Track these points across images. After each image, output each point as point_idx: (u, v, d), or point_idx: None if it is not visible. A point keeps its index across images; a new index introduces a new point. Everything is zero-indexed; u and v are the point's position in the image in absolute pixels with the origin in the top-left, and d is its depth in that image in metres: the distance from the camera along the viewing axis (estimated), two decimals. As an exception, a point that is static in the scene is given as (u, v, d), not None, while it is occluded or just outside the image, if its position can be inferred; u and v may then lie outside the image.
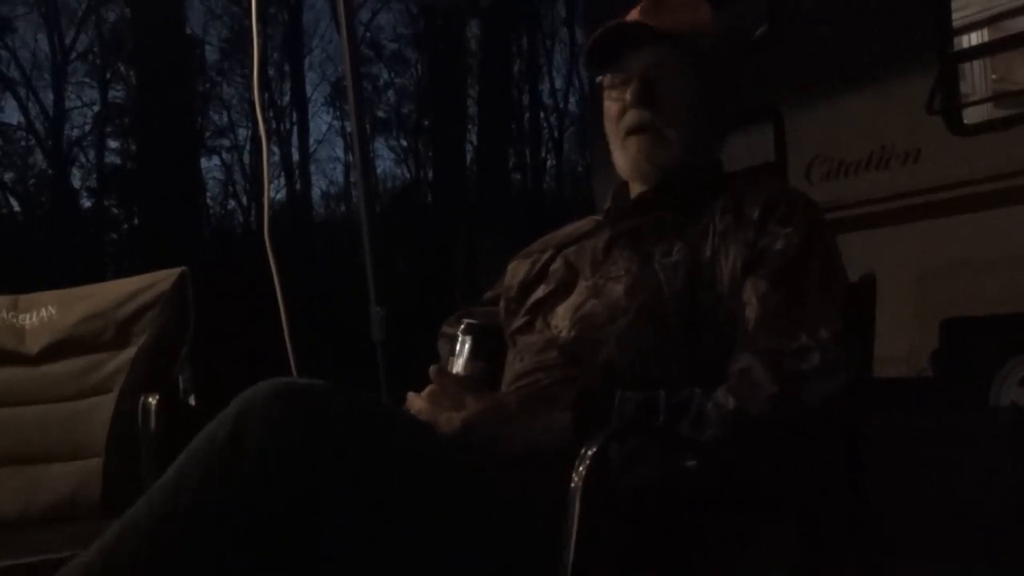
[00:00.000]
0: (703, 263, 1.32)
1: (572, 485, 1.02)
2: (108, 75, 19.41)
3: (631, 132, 1.41)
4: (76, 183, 19.16)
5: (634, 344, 1.29)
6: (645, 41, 1.40)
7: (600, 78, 1.47)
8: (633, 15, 1.43)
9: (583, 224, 1.58)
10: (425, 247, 15.19)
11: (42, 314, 2.39)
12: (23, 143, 18.77)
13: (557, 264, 1.49)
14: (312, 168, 20.73)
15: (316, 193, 21.44)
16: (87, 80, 19.70)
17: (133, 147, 17.46)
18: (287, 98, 20.27)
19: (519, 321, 1.48)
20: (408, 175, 21.14)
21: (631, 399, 1.17)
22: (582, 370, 1.30)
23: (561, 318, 1.39)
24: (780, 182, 1.47)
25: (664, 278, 1.32)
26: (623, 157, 1.43)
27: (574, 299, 1.40)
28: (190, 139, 15.17)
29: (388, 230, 14.09)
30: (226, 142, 20.48)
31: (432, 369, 1.28)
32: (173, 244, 11.48)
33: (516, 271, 1.58)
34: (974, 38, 4.98)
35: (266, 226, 2.55)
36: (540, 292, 1.48)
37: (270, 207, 3.03)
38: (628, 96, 1.40)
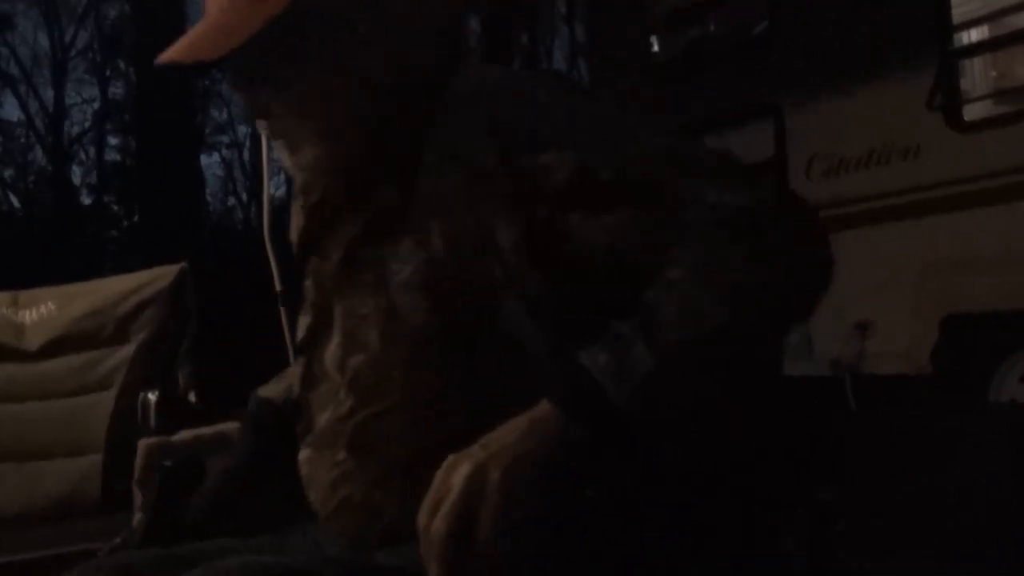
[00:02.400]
0: (449, 258, 1.01)
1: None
2: (108, 72, 19.44)
3: None
4: (76, 180, 19.20)
5: (417, 412, 1.03)
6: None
7: None
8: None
9: None
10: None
11: (42, 310, 2.39)
12: (23, 140, 18.79)
13: (308, 282, 1.17)
14: (312, 164, 20.74)
15: (316, 189, 21.44)
16: (87, 77, 19.74)
17: (133, 144, 17.46)
18: (287, 94, 20.27)
19: (300, 372, 1.18)
20: (408, 171, 21.12)
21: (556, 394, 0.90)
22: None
23: (332, 378, 1.09)
24: (493, 74, 1.09)
25: (408, 309, 1.03)
26: None
27: (336, 349, 1.10)
28: (190, 136, 15.17)
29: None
30: (226, 139, 20.52)
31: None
32: (173, 241, 11.48)
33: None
34: (974, 34, 4.97)
35: (266, 222, 2.55)
36: (302, 331, 1.18)
37: (270, 203, 3.02)
38: None
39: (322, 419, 1.09)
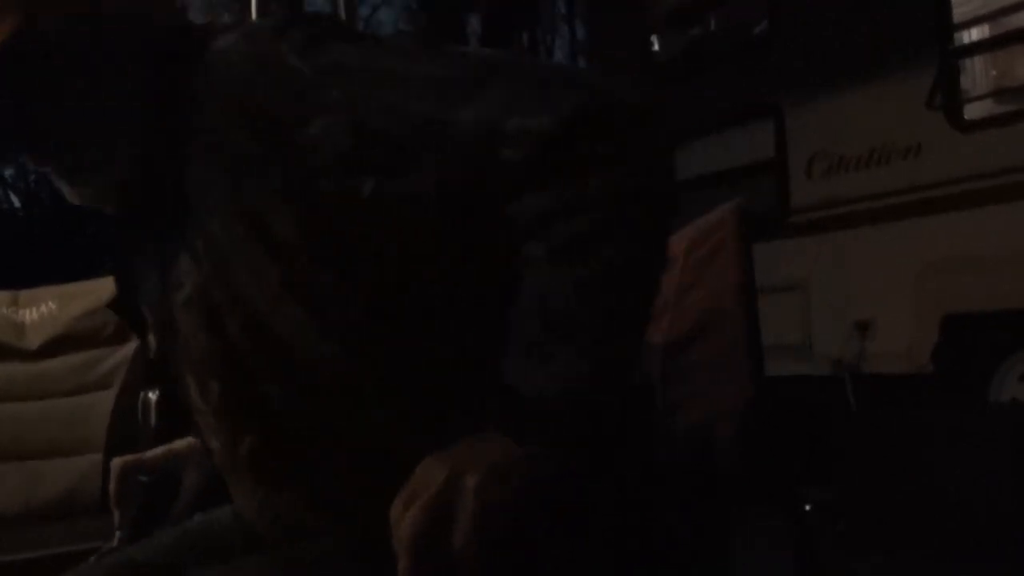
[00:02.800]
0: (219, 272, 0.91)
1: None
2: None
3: None
4: (76, 179, 19.19)
5: (288, 439, 0.95)
6: None
7: None
8: None
9: None
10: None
11: (42, 310, 2.39)
12: (23, 139, 18.78)
13: (143, 306, 1.06)
14: (312, 164, 20.77)
15: (316, 189, 21.46)
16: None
17: (133, 143, 17.43)
18: (287, 94, 20.30)
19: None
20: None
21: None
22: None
23: (199, 405, 1.01)
24: (235, 51, 0.93)
25: (191, 332, 0.94)
26: None
27: (190, 376, 1.00)
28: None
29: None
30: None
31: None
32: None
33: None
34: (975, 33, 4.97)
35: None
36: (152, 351, 1.07)
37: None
38: None
39: (214, 445, 1.02)
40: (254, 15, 2.58)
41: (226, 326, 0.91)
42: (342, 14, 2.69)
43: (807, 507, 1.26)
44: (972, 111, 4.67)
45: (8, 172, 18.40)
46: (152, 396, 2.14)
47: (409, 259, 0.88)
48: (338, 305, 0.88)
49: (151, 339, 1.05)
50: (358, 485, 0.92)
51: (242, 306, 0.90)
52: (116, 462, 1.21)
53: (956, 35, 4.67)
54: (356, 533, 0.93)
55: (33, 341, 2.37)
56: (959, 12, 4.60)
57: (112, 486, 1.20)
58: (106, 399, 2.28)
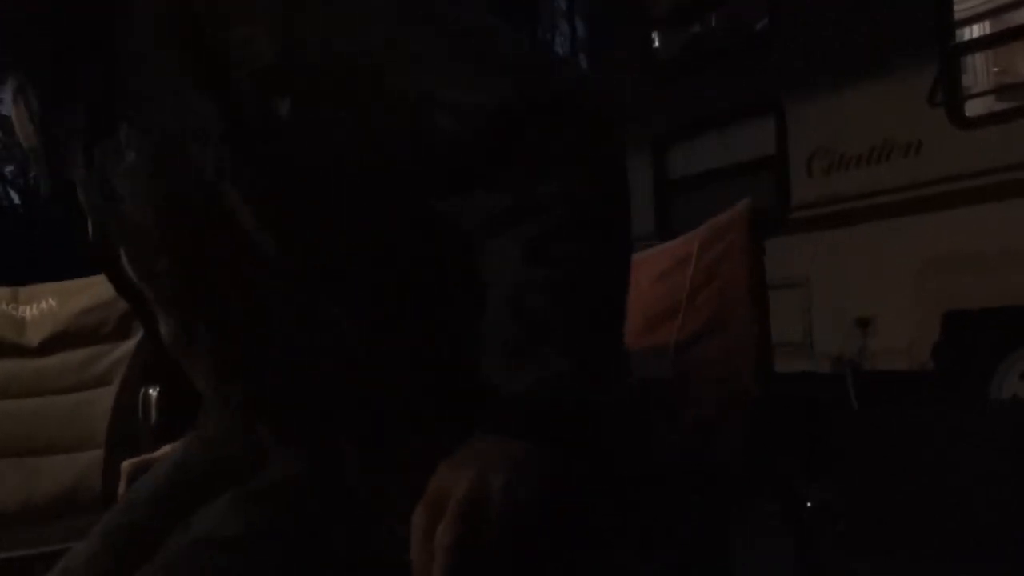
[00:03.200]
0: (170, 146, 0.87)
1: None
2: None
3: None
4: (77, 175, 19.18)
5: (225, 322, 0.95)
6: None
7: None
8: None
9: None
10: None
11: (42, 306, 2.39)
12: (23, 135, 18.77)
13: (79, 191, 1.04)
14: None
15: (317, 185, 21.45)
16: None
17: (134, 139, 17.41)
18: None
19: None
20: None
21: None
22: None
23: (141, 287, 1.02)
24: None
25: (133, 200, 0.92)
26: None
27: (128, 261, 1.01)
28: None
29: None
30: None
31: None
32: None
33: None
34: (976, 30, 4.97)
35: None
36: (92, 233, 1.07)
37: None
38: None
39: (165, 329, 1.02)
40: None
41: (179, 194, 0.87)
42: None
43: (807, 506, 1.26)
44: (973, 108, 4.67)
45: (8, 169, 18.42)
46: (152, 392, 2.14)
47: (336, 202, 0.87)
48: (268, 217, 0.86)
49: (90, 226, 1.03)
50: (305, 384, 0.93)
51: (195, 175, 0.86)
52: (125, 464, 1.22)
53: (957, 32, 4.67)
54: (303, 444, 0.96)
55: (33, 338, 2.36)
56: (960, 9, 4.61)
57: (121, 488, 1.20)
58: (106, 395, 2.28)
